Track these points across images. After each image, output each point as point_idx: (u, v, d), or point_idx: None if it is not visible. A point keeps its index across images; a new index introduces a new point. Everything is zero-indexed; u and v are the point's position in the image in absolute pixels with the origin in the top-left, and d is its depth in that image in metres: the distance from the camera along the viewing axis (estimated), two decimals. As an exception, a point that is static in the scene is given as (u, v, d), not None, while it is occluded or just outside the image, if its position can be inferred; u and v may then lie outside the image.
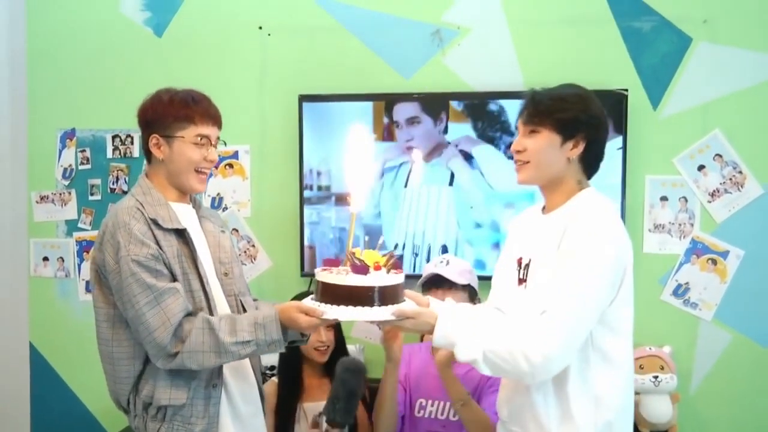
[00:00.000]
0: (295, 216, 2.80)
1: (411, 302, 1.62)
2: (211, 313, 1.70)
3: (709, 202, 2.66)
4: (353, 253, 1.56)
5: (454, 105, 2.69)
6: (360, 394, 1.97)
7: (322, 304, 1.55)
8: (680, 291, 2.68)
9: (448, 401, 2.17)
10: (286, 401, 2.23)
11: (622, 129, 2.59)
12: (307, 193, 2.77)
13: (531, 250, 1.64)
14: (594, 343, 1.54)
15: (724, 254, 2.65)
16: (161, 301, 1.60)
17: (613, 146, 2.57)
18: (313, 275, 2.71)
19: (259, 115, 2.88)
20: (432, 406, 2.21)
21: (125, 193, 2.95)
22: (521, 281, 1.65)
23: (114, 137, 2.98)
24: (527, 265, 1.63)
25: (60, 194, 3.02)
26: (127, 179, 2.97)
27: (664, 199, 2.68)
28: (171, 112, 1.74)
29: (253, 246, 2.91)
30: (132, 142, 2.96)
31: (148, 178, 1.79)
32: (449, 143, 2.70)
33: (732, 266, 2.65)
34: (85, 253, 3.01)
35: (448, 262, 2.24)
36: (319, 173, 2.77)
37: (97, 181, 3.00)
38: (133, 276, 1.60)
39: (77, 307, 3.03)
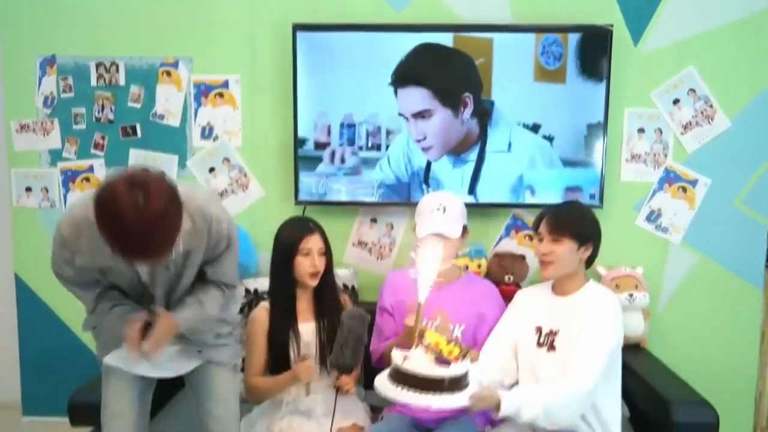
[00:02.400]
0: (289, 145, 2.86)
1: (476, 383, 1.95)
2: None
3: (682, 134, 2.87)
4: (437, 344, 1.87)
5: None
6: (365, 340, 2.10)
7: (403, 389, 1.84)
8: (653, 216, 2.91)
9: (436, 322, 2.31)
10: (282, 326, 2.31)
11: (607, 63, 2.75)
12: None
13: (556, 323, 2.14)
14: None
15: (694, 182, 2.88)
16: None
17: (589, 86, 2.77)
18: (308, 203, 2.85)
19: (249, 44, 2.90)
20: (428, 326, 2.28)
21: (111, 122, 2.96)
22: (541, 345, 2.15)
23: (98, 65, 2.94)
24: (551, 333, 2.14)
25: (42, 123, 2.98)
26: (113, 108, 2.96)
27: (641, 131, 2.87)
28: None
29: (245, 175, 2.96)
30: (117, 70, 2.94)
31: None
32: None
33: (700, 193, 2.88)
34: (70, 183, 3.00)
35: (444, 209, 2.31)
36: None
37: (82, 110, 2.97)
38: None
39: (64, 237, 3.04)
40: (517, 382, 2.20)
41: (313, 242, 2.28)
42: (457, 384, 1.83)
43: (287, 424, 2.25)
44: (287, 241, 2.29)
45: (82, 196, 1.87)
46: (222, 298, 2.02)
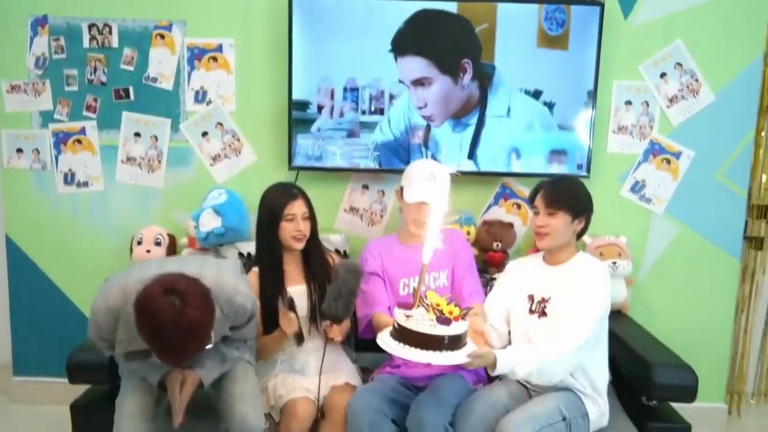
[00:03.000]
0: (283, 111, 2.88)
1: (472, 342, 2.03)
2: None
3: (668, 107, 2.94)
4: (438, 305, 1.96)
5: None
6: (357, 293, 2.18)
7: (405, 346, 1.92)
8: (637, 187, 3.00)
9: (426, 274, 2.38)
10: (270, 287, 2.39)
11: (597, 37, 2.80)
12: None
13: (548, 291, 2.24)
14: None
15: (678, 155, 2.97)
16: None
17: (590, 54, 2.82)
18: (301, 168, 2.89)
19: (244, 8, 2.90)
20: (414, 282, 2.44)
21: (103, 84, 2.96)
22: (533, 312, 2.25)
23: (90, 26, 2.92)
24: (543, 301, 2.24)
25: (33, 84, 2.97)
26: (105, 70, 2.95)
27: (628, 103, 2.95)
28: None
29: (238, 140, 2.99)
30: (110, 32, 2.92)
31: None
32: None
33: (683, 166, 2.97)
34: (62, 145, 3.00)
35: (433, 177, 2.38)
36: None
37: (74, 72, 2.96)
38: None
39: (55, 199, 3.05)
40: (506, 346, 2.28)
41: (296, 207, 2.37)
42: (456, 342, 1.92)
43: (281, 381, 2.32)
44: (272, 208, 2.37)
45: (117, 279, 1.95)
46: (242, 344, 2.23)
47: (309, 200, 2.44)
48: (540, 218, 2.24)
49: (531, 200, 2.30)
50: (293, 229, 2.36)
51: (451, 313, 1.94)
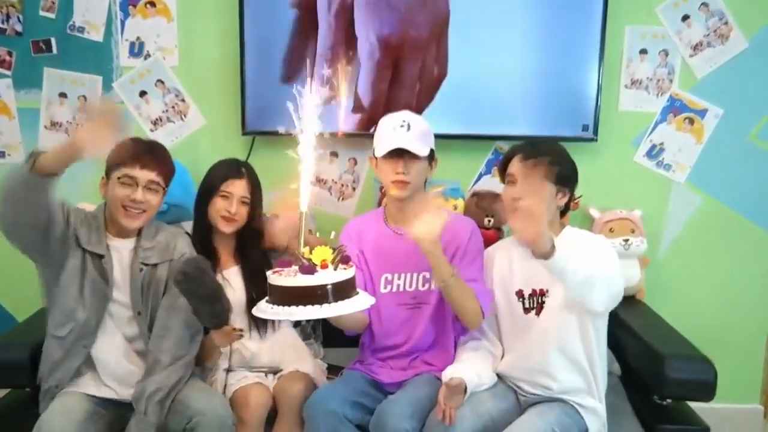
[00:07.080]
0: (235, 66, 2.83)
1: (364, 294, 1.89)
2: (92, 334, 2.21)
3: (691, 56, 2.89)
4: (303, 254, 1.79)
5: None
6: (215, 291, 2.13)
7: (275, 306, 1.78)
8: (654, 152, 2.95)
9: (415, 272, 2.33)
10: None
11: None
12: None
13: (540, 282, 2.15)
14: None
15: (702, 113, 2.91)
16: None
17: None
18: (257, 133, 2.82)
19: (184, -59, 2.85)
20: (399, 279, 2.35)
21: (18, 34, 2.93)
22: (529, 309, 2.18)
23: (0, -36, 2.87)
24: (536, 294, 2.17)
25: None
26: (20, 17, 2.90)
27: (643, 52, 2.88)
28: (111, 158, 2.19)
29: (183, 101, 2.94)
30: (25, -27, 2.87)
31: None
32: None
33: (709, 126, 2.92)
34: (-24, 108, 2.96)
35: (409, 126, 2.27)
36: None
37: (-20, 20, 2.92)
38: None
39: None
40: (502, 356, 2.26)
41: (236, 187, 2.38)
42: (342, 290, 1.78)
43: (231, 374, 2.36)
44: (211, 180, 2.41)
45: None
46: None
47: (257, 186, 2.42)
48: (518, 188, 2.12)
49: (503, 168, 2.19)
50: (223, 208, 2.35)
51: (324, 261, 1.79)
